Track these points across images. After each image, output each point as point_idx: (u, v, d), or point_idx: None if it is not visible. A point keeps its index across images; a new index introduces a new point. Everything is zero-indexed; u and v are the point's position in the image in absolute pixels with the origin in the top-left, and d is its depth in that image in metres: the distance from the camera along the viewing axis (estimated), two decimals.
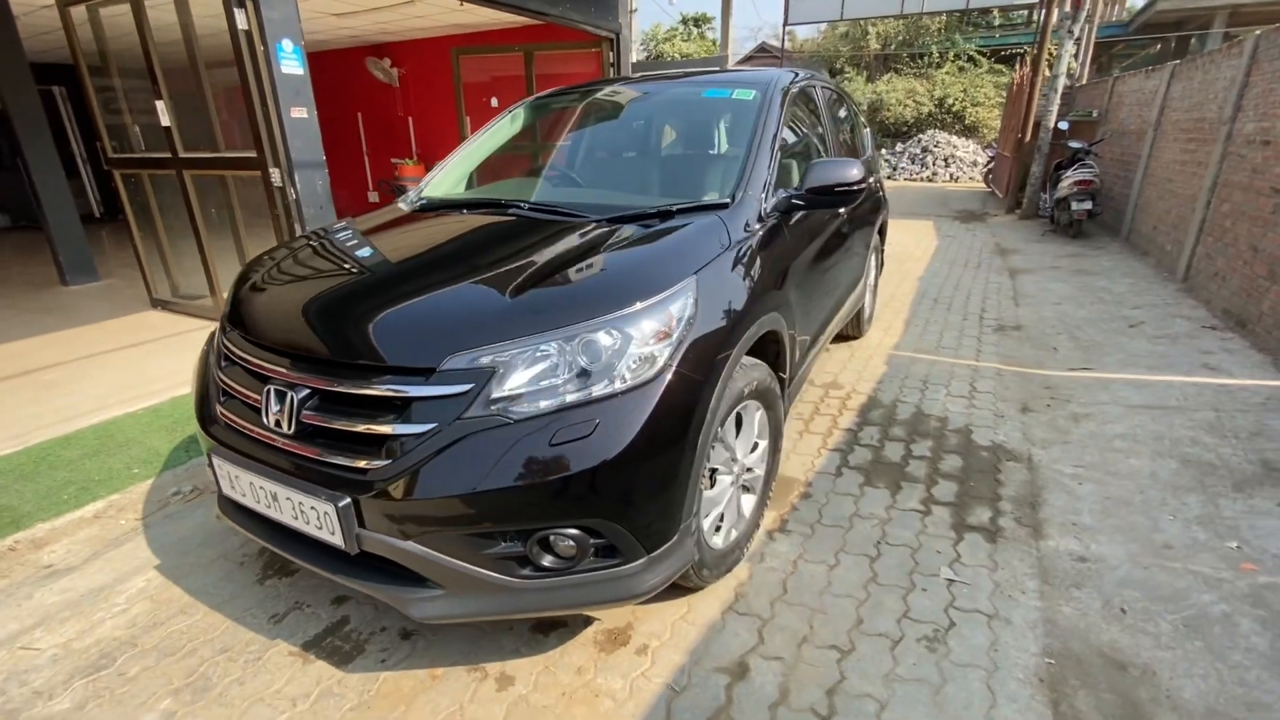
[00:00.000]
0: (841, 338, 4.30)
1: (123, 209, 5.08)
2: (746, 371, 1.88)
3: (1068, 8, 9.01)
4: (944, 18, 20.65)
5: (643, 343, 1.49)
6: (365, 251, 2.07)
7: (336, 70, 9.59)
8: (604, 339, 1.45)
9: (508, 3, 5.93)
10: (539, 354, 1.43)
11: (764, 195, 2.17)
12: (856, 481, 2.63)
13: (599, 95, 2.91)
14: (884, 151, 18.30)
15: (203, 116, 4.34)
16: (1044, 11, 9.61)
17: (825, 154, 3.14)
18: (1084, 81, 12.41)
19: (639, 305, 1.50)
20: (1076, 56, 15.59)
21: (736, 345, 1.75)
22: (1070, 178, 7.79)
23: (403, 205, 2.56)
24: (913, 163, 17.41)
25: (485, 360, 1.42)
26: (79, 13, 4.57)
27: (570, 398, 1.40)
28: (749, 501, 2.16)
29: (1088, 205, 7.62)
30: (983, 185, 13.98)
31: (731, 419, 1.89)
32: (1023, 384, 3.59)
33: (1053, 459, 2.77)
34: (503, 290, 1.57)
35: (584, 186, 2.56)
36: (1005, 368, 3.83)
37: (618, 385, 1.43)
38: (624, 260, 1.69)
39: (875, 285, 4.56)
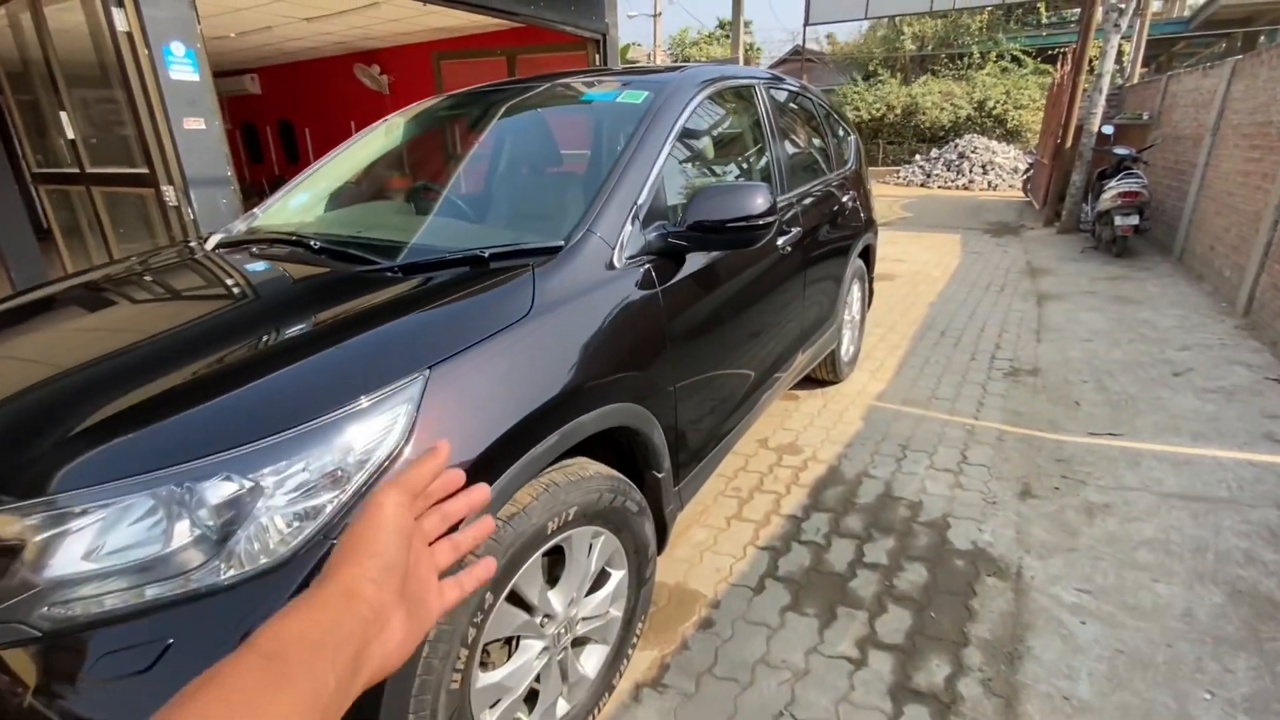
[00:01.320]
0: (817, 382, 3.65)
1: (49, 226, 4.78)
2: (561, 492, 1.30)
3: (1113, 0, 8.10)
4: (985, 16, 19.53)
5: (292, 494, 0.92)
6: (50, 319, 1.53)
7: (329, 78, 9.33)
8: (214, 491, 0.90)
9: (472, 2, 5.47)
10: (117, 513, 0.89)
11: (624, 236, 1.58)
12: (779, 603, 2.00)
13: (466, 104, 2.36)
14: (918, 157, 17.33)
15: (116, 128, 3.97)
16: (1087, 3, 8.70)
17: (774, 172, 2.53)
18: (1134, 81, 11.34)
19: (284, 435, 0.94)
20: (1126, 55, 14.41)
21: (513, 468, 1.17)
22: (1115, 188, 6.90)
23: (219, 236, 2.06)
24: (948, 169, 16.38)
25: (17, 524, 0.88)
26: None
27: (125, 600, 0.85)
28: (594, 657, 1.57)
29: (1134, 220, 6.73)
30: (1021, 194, 12.96)
31: (538, 562, 1.31)
32: (1028, 453, 2.88)
33: (1051, 576, 2.08)
34: (127, 391, 1.03)
35: (418, 215, 2.02)
36: (1009, 429, 3.12)
37: (222, 575, 0.87)
38: (310, 351, 1.10)
39: (861, 320, 3.90)
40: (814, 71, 24.75)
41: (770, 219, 1.70)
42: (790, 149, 2.69)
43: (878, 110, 18.84)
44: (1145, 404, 3.33)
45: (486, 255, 1.45)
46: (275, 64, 9.92)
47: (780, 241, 2.35)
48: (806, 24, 11.64)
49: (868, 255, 3.79)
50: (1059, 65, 10.80)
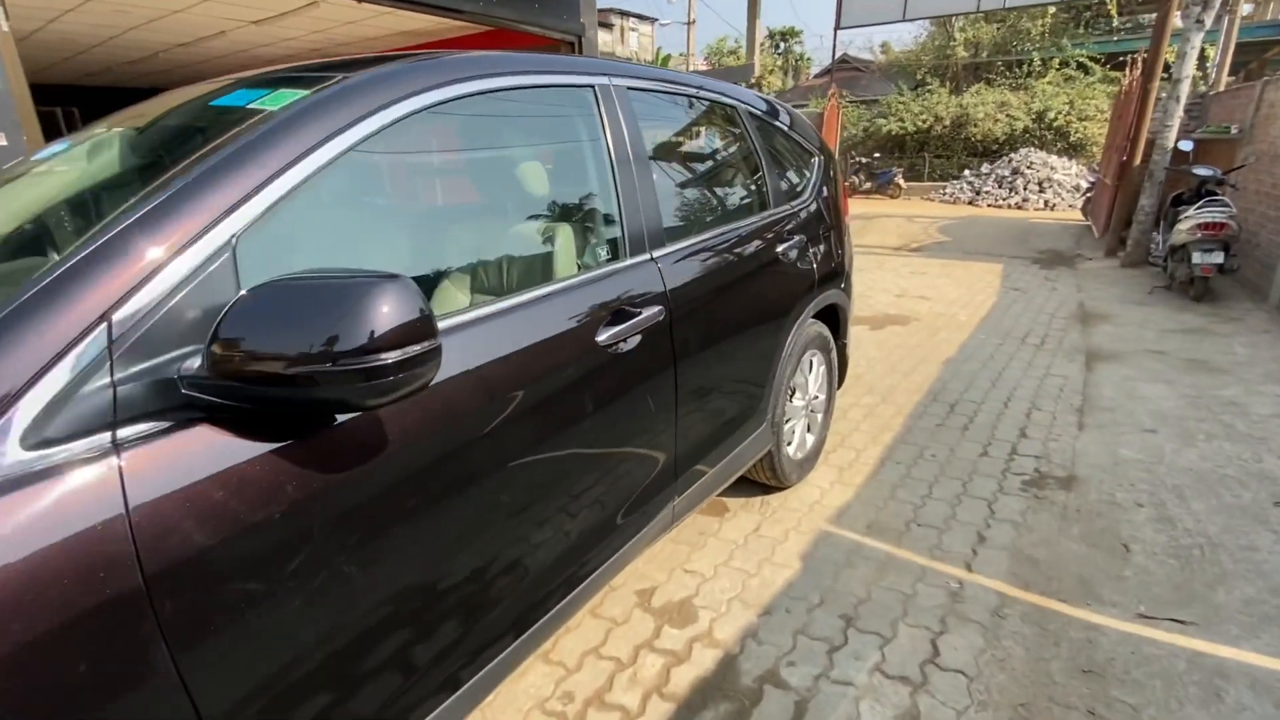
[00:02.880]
0: (762, 487, 2.70)
1: None
2: None
3: None
4: (1048, 19, 17.94)
5: None
6: None
7: None
8: None
9: (415, 0, 4.76)
10: None
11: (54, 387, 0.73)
12: None
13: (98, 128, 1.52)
14: (967, 173, 15.90)
15: None
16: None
17: (596, 227, 1.64)
18: (1220, 89, 9.83)
19: None
20: (1210, 59, 12.74)
21: None
22: (1194, 218, 5.64)
23: None
24: (999, 186, 14.93)
25: None
26: None
27: None
28: None
29: (1217, 258, 5.46)
30: (1081, 217, 11.50)
31: None
32: (1039, 649, 1.87)
33: None
34: None
35: None
36: (1016, 594, 2.10)
37: None
38: None
39: (828, 401, 2.91)
40: (860, 81, 23.47)
41: (408, 353, 0.81)
42: (658, 185, 1.76)
43: (924, 121, 17.46)
44: (1232, 560, 2.24)
45: None
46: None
47: (603, 337, 1.45)
48: (838, 27, 10.62)
49: (835, 318, 2.82)
50: (1127, 70, 9.43)
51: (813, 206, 2.55)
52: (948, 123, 17.22)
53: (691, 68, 21.98)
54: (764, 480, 2.62)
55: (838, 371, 2.94)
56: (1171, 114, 6.98)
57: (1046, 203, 14.07)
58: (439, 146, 1.65)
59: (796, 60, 33.31)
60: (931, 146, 17.74)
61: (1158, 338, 4.73)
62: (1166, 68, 7.75)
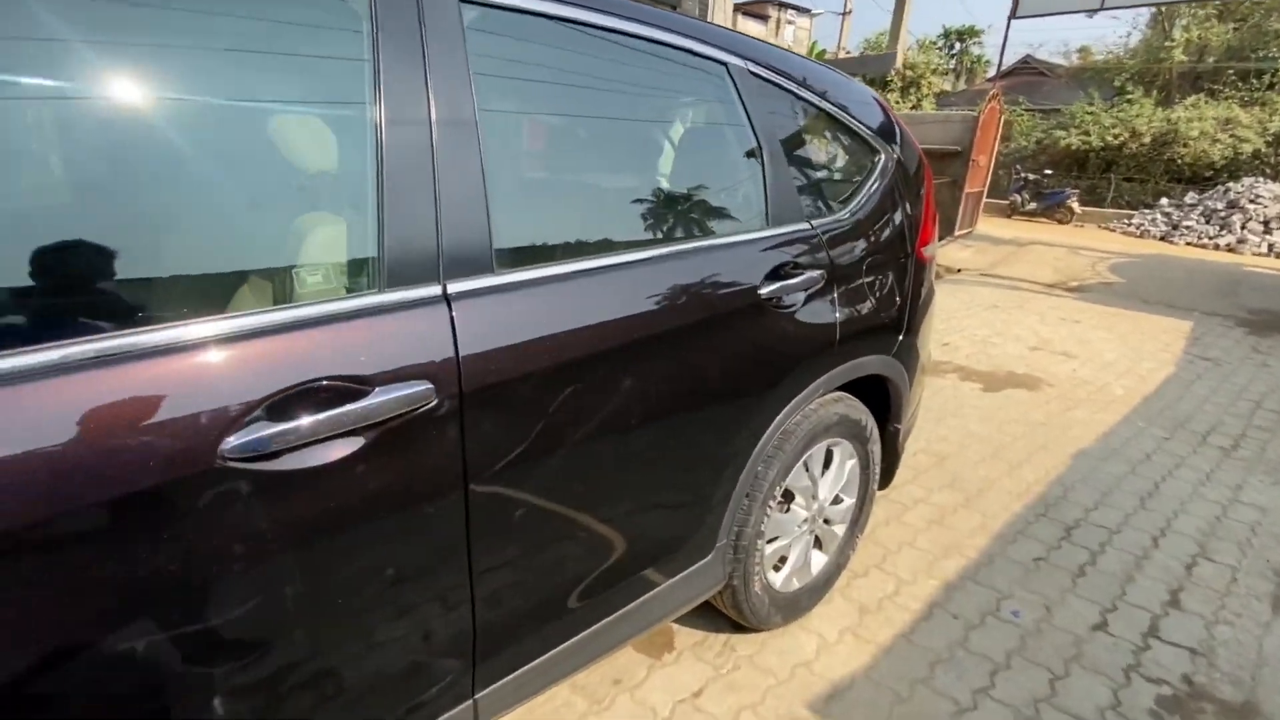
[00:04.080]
0: (736, 625, 1.88)
1: None
2: None
3: None
4: None
5: None
6: None
7: None
8: None
9: None
10: None
11: None
12: None
13: None
14: (1164, 201, 13.18)
15: None
16: None
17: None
18: None
19: None
20: None
21: None
22: None
23: None
24: (1206, 221, 12.18)
25: None
26: None
27: None
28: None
29: None
30: None
31: None
32: None
33: None
34: None
35: None
36: None
37: None
38: None
39: (858, 510, 2.00)
40: (1042, 87, 20.53)
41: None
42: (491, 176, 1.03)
43: (1115, 136, 14.70)
44: None
45: None
46: None
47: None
48: (1013, 16, 8.98)
49: (885, 394, 1.91)
50: None
51: (851, 226, 1.67)
52: (1147, 140, 14.39)
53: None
54: (726, 611, 1.80)
55: (878, 469, 2.02)
56: None
57: (1271, 247, 11.24)
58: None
59: (972, 62, 30.02)
60: (1121, 167, 14.94)
61: None
62: None
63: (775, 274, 1.45)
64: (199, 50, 0.84)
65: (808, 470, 1.75)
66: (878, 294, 1.74)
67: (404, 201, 0.92)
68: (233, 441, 0.77)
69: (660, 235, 1.39)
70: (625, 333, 1.17)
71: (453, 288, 0.95)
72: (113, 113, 0.80)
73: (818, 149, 1.77)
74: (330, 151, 1.01)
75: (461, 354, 0.94)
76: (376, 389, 0.86)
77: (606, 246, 1.26)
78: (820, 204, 1.65)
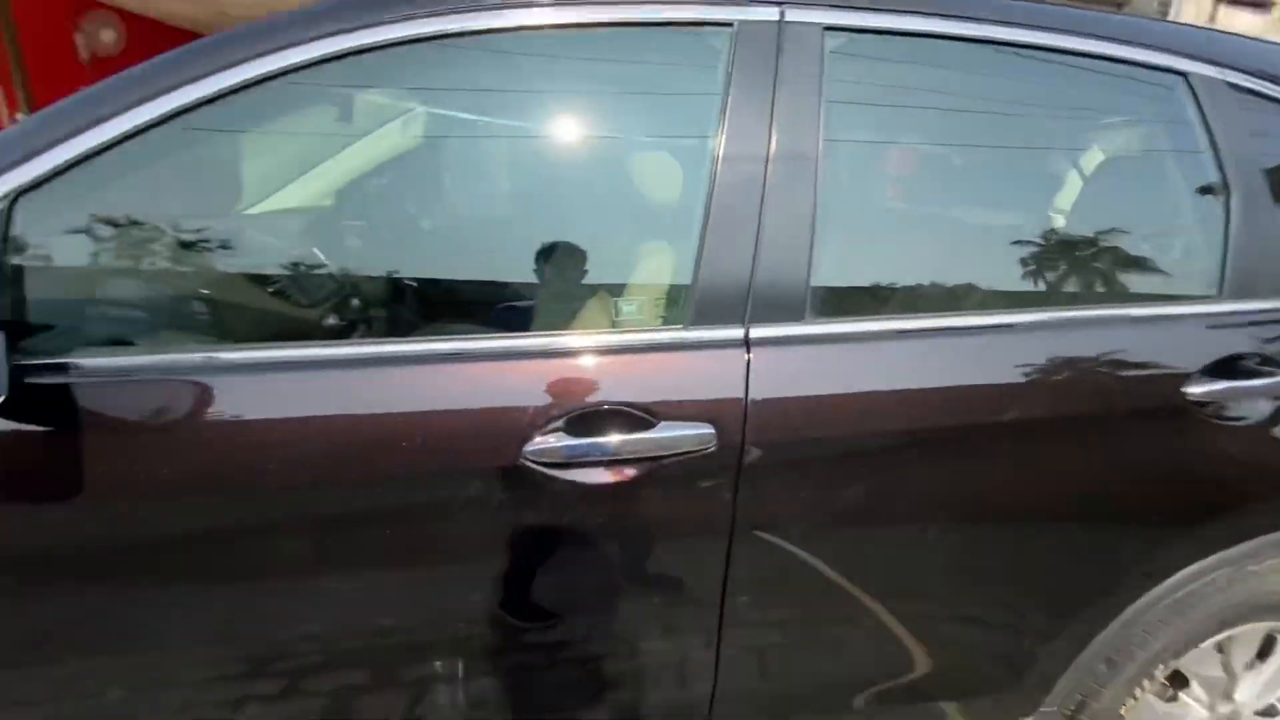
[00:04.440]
0: None
1: None
2: None
3: None
4: None
5: None
6: None
7: None
8: None
9: None
10: None
11: None
12: None
13: None
14: None
15: None
16: None
17: None
18: None
19: None
20: None
21: None
22: None
23: None
24: None
25: None
26: None
27: None
28: None
29: None
30: None
31: None
32: None
33: None
34: None
35: None
36: None
37: None
38: None
39: None
40: None
41: None
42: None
43: None
44: None
45: None
46: None
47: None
48: None
49: None
50: None
51: None
52: None
53: None
54: None
55: None
56: None
57: None
58: None
59: None
60: None
61: None
62: None
63: (1223, 367, 1.00)
64: (575, 93, 0.95)
65: (1222, 654, 1.19)
66: None
67: (723, 239, 0.89)
68: (535, 445, 0.85)
69: (1035, 293, 1.08)
70: (954, 412, 0.94)
71: (755, 332, 0.89)
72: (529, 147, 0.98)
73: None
74: (673, 185, 1.05)
75: (751, 400, 0.87)
76: (662, 423, 0.85)
77: (955, 300, 1.03)
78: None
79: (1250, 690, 1.23)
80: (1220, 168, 1.04)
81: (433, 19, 0.86)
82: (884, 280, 1.04)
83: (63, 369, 0.77)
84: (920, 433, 0.94)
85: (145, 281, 0.92)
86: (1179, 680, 1.22)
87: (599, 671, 1.00)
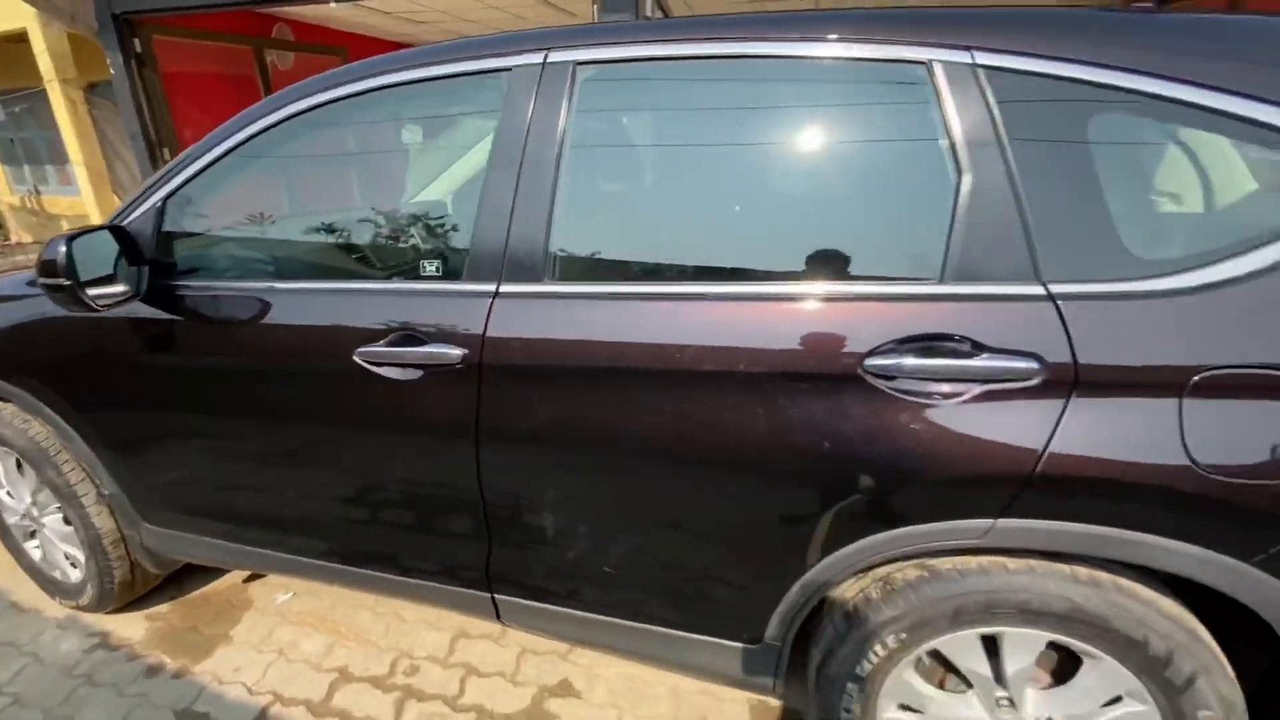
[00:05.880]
0: None
1: None
2: None
3: None
4: None
5: None
6: None
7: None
8: None
9: None
10: None
11: None
12: None
13: None
14: None
15: None
16: None
17: None
18: None
19: None
20: None
21: None
22: None
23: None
24: None
25: None
26: None
27: None
28: None
29: None
30: None
31: None
32: None
33: None
34: None
35: None
36: None
37: None
38: None
39: None
40: None
41: None
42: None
43: None
44: None
45: None
46: None
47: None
48: None
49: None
50: None
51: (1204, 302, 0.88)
52: None
53: None
54: None
55: None
56: None
57: None
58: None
59: None
60: None
61: None
62: None
63: (921, 345, 1.02)
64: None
65: (998, 658, 1.13)
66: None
67: (487, 220, 1.26)
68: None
69: (731, 269, 1.18)
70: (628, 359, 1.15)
71: (504, 288, 1.21)
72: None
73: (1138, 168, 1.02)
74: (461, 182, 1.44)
75: (487, 335, 1.24)
76: (431, 344, 1.25)
77: (661, 273, 1.23)
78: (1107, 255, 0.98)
79: (1034, 706, 1.15)
80: (954, 154, 1.04)
81: None
82: (605, 254, 1.26)
83: (176, 285, 1.47)
84: (600, 373, 1.15)
85: (230, 243, 1.65)
86: (959, 674, 1.19)
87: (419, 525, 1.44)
